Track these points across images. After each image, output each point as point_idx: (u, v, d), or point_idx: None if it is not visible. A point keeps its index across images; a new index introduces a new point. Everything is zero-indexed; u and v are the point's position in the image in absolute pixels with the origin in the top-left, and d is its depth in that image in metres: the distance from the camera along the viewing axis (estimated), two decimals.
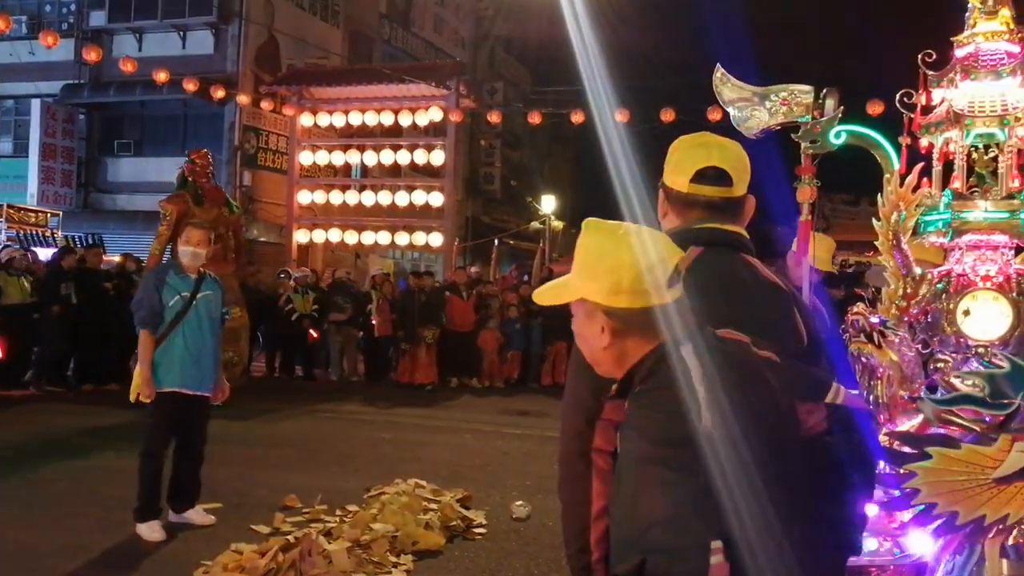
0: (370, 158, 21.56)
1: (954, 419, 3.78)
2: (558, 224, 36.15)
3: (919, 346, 4.04)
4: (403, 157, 21.22)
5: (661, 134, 19.60)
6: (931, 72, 4.30)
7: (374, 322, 16.89)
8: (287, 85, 22.62)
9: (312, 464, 9.26)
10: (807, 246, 4.28)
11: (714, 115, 17.53)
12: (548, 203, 34.67)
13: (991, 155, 4.20)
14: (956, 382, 3.71)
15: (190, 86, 19.94)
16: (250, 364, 16.21)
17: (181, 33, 24.75)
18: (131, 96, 25.01)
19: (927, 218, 4.16)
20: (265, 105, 23.00)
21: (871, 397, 3.97)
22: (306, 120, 22.03)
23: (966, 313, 3.96)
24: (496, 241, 26.39)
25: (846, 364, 4.11)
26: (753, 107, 4.71)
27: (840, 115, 4.37)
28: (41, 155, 24.80)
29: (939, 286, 4.06)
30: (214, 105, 22.61)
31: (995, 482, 3.57)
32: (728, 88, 4.78)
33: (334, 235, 21.59)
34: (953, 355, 3.98)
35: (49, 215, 22.17)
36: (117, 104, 25.93)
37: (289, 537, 6.34)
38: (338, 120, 21.71)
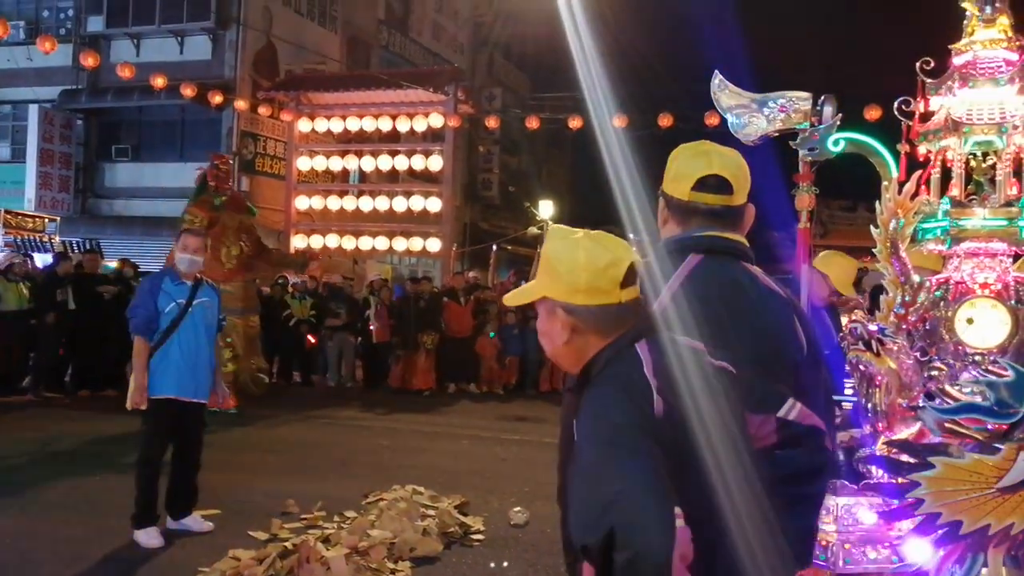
0: (368, 163, 21.54)
1: (956, 428, 3.78)
2: None
3: (917, 354, 4.04)
4: (401, 163, 21.20)
5: (659, 140, 19.63)
6: (929, 80, 4.30)
7: (372, 328, 16.89)
8: (285, 90, 22.61)
9: (310, 470, 9.26)
10: (807, 254, 4.28)
11: (712, 120, 17.53)
12: (546, 208, 34.63)
13: (989, 163, 4.21)
14: (953, 390, 3.71)
15: (188, 91, 19.93)
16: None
17: (179, 39, 24.75)
18: (129, 101, 25.01)
19: (925, 225, 4.15)
20: (263, 110, 22.99)
21: (869, 405, 3.97)
22: (304, 125, 22.02)
23: (970, 321, 3.96)
24: (494, 247, 26.39)
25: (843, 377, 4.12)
26: (751, 114, 4.72)
27: (838, 122, 4.38)
28: (39, 160, 24.76)
29: (937, 294, 4.05)
30: (212, 111, 22.62)
31: (999, 491, 3.57)
32: (726, 95, 4.79)
33: (332, 240, 21.57)
34: (951, 363, 3.98)
35: (47, 220, 22.13)
36: (115, 109, 25.92)
37: (287, 544, 6.35)
38: (336, 125, 21.70)
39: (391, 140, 22.27)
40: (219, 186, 13.15)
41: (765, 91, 4.70)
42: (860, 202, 31.63)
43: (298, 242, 22.18)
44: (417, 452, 10.38)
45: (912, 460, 3.73)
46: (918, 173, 4.19)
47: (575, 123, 20.43)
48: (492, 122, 24.43)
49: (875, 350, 3.88)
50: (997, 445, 3.55)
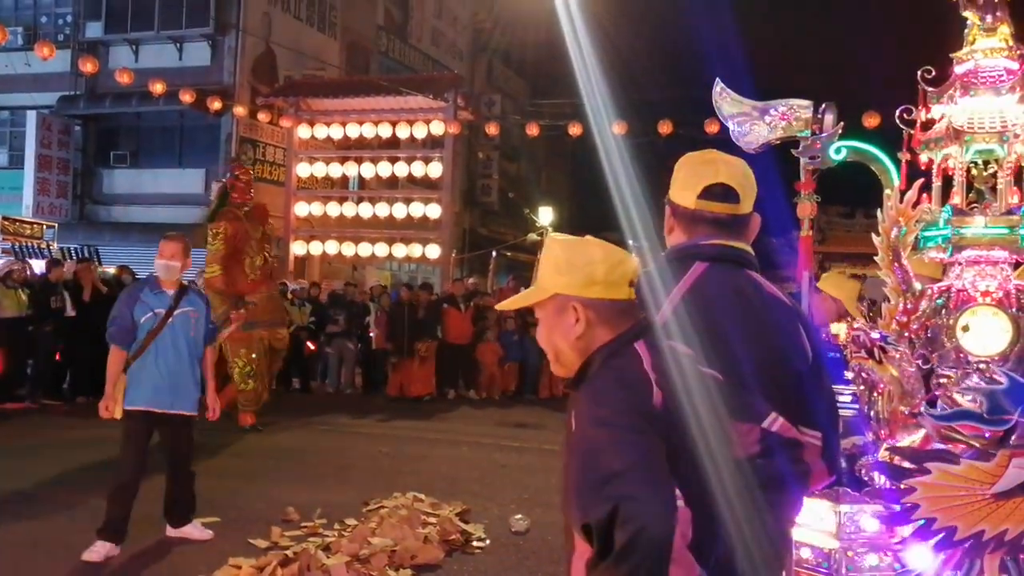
0: (367, 170, 21.58)
1: (954, 435, 3.80)
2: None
3: (919, 361, 4.04)
4: (400, 169, 21.23)
5: (659, 147, 19.67)
6: (930, 88, 4.31)
7: (372, 334, 16.89)
8: (284, 97, 22.64)
9: (310, 477, 9.25)
10: (809, 262, 4.29)
11: (712, 128, 17.56)
12: (546, 215, 34.64)
13: (990, 171, 4.21)
14: (957, 397, 3.73)
15: (187, 97, 19.93)
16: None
17: (178, 44, 24.74)
18: (127, 107, 24.97)
19: (927, 233, 4.16)
20: (262, 117, 23.01)
21: (871, 412, 3.98)
22: (303, 132, 22.06)
23: (965, 329, 3.96)
24: (494, 253, 26.40)
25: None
26: (752, 122, 4.73)
27: (840, 131, 4.39)
28: (36, 167, 24.73)
29: (939, 301, 4.06)
30: (211, 117, 22.63)
31: (994, 497, 3.59)
32: (728, 103, 4.80)
33: (331, 247, 21.59)
34: (953, 371, 3.98)
35: (44, 227, 22.10)
36: (113, 115, 25.89)
37: (288, 552, 6.35)
38: (336, 132, 21.73)
39: (390, 146, 22.30)
40: (240, 197, 13.01)
41: (763, 98, 4.71)
42: (858, 209, 31.70)
43: (298, 248, 22.21)
44: (417, 459, 10.37)
45: (912, 466, 3.75)
46: (919, 181, 4.20)
47: (575, 130, 20.46)
48: (492, 128, 24.46)
49: (877, 358, 3.90)
50: (992, 451, 3.57)
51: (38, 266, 16.25)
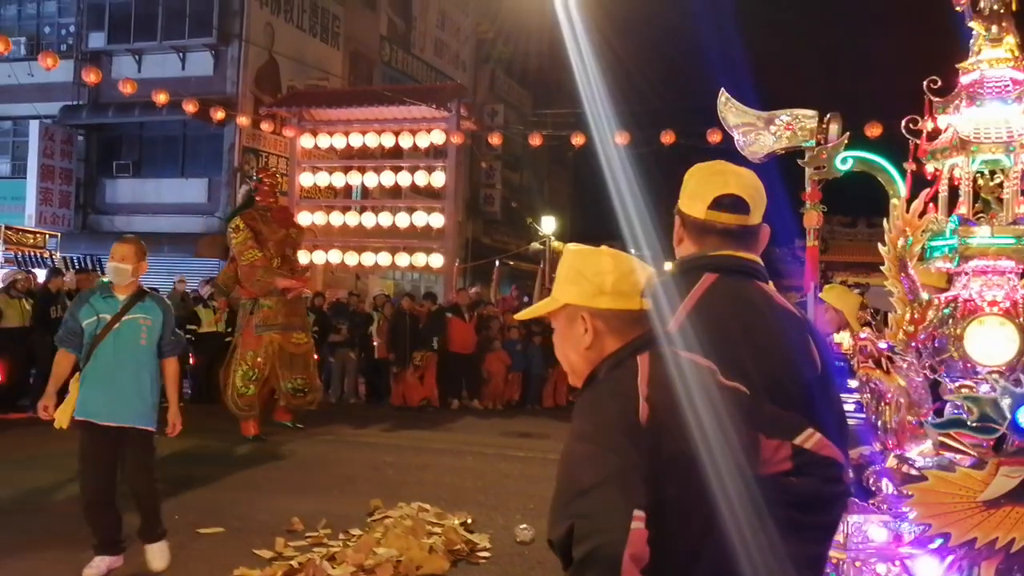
0: (371, 179, 21.56)
1: (952, 443, 3.82)
2: (558, 245, 36.10)
3: (927, 371, 4.05)
4: (404, 178, 21.22)
5: (661, 156, 19.67)
6: (936, 98, 4.31)
7: (375, 344, 16.90)
8: (287, 106, 22.64)
9: (314, 487, 9.24)
10: (815, 273, 4.29)
11: (714, 137, 17.58)
12: (548, 224, 34.66)
13: (997, 181, 4.22)
14: (948, 407, 3.76)
15: (190, 107, 19.92)
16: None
17: (181, 54, 24.79)
18: (130, 117, 25.00)
19: (933, 243, 4.17)
20: (265, 126, 23.01)
21: (879, 422, 3.98)
22: (306, 141, 22.05)
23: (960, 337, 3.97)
24: (497, 262, 26.39)
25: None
26: (757, 132, 4.74)
27: (846, 141, 4.40)
28: (39, 176, 24.75)
29: (946, 311, 4.06)
30: (214, 127, 22.65)
31: (984, 505, 3.61)
32: (733, 113, 4.82)
33: (334, 256, 21.56)
34: (962, 380, 3.99)
35: (47, 236, 22.11)
36: (116, 125, 25.92)
37: (292, 562, 6.34)
38: (339, 141, 21.72)
39: (394, 156, 22.29)
40: (264, 200, 13.02)
41: (765, 107, 4.72)
42: (860, 218, 31.73)
43: (301, 258, 22.16)
44: (421, 469, 10.36)
45: (915, 472, 3.78)
46: (926, 191, 4.21)
47: (577, 140, 20.46)
48: (495, 138, 24.45)
49: (885, 368, 3.90)
50: (986, 460, 3.61)
51: (41, 276, 16.27)
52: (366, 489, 9.13)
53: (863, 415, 4.16)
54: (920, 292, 4.08)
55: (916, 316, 4.06)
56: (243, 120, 22.31)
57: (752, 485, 2.13)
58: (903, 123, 4.35)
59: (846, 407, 4.11)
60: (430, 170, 21.10)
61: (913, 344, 4.07)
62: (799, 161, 4.48)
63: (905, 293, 4.08)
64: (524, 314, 2.48)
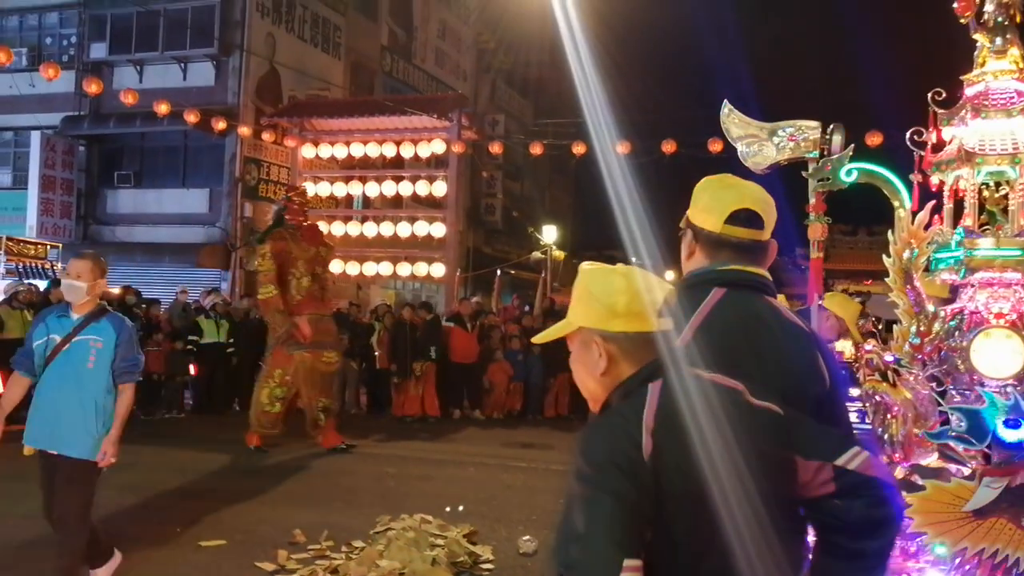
0: (372, 189, 21.57)
1: (950, 453, 3.82)
2: (559, 254, 36.21)
3: (933, 384, 4.04)
4: (405, 188, 21.24)
5: (662, 166, 19.69)
6: (941, 110, 4.31)
7: (377, 354, 16.87)
8: (288, 117, 22.67)
9: (315, 499, 9.21)
10: (820, 284, 4.28)
11: (715, 147, 17.60)
12: (549, 233, 34.74)
13: (1002, 193, 4.22)
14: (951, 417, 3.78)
15: (191, 118, 19.97)
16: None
17: (182, 65, 24.81)
18: (131, 128, 25.01)
19: (939, 255, 4.17)
20: (266, 137, 23.04)
21: (886, 435, 3.96)
22: (308, 152, 22.07)
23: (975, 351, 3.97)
24: (498, 272, 26.39)
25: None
26: (760, 143, 4.73)
27: (851, 152, 4.39)
28: (40, 187, 24.74)
29: (952, 324, 4.05)
30: (215, 137, 22.65)
31: (974, 515, 3.63)
32: (736, 124, 4.81)
33: (336, 266, 21.55)
34: (966, 392, 3.98)
35: (48, 247, 22.11)
36: (117, 136, 25.93)
37: (295, 575, 6.31)
38: (340, 152, 21.75)
39: (395, 166, 22.32)
40: (294, 218, 12.94)
41: (764, 116, 4.72)
42: (860, 227, 31.72)
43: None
44: (423, 480, 10.34)
45: (920, 482, 3.79)
46: (931, 203, 4.20)
47: (578, 149, 20.49)
48: (495, 148, 24.46)
49: (891, 381, 3.89)
50: (976, 470, 3.63)
51: (42, 287, 16.26)
52: (368, 501, 9.11)
53: (866, 425, 4.15)
54: (926, 304, 4.07)
55: (922, 329, 4.05)
56: (244, 130, 22.34)
57: (773, 521, 2.01)
58: (908, 135, 4.35)
59: (850, 416, 4.12)
60: (431, 180, 21.12)
61: (919, 356, 4.06)
62: (803, 173, 4.47)
63: (911, 305, 4.07)
64: (540, 337, 2.38)
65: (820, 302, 5.13)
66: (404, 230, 20.96)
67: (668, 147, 19.55)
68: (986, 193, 4.26)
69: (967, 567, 3.68)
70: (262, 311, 13.06)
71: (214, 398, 16.21)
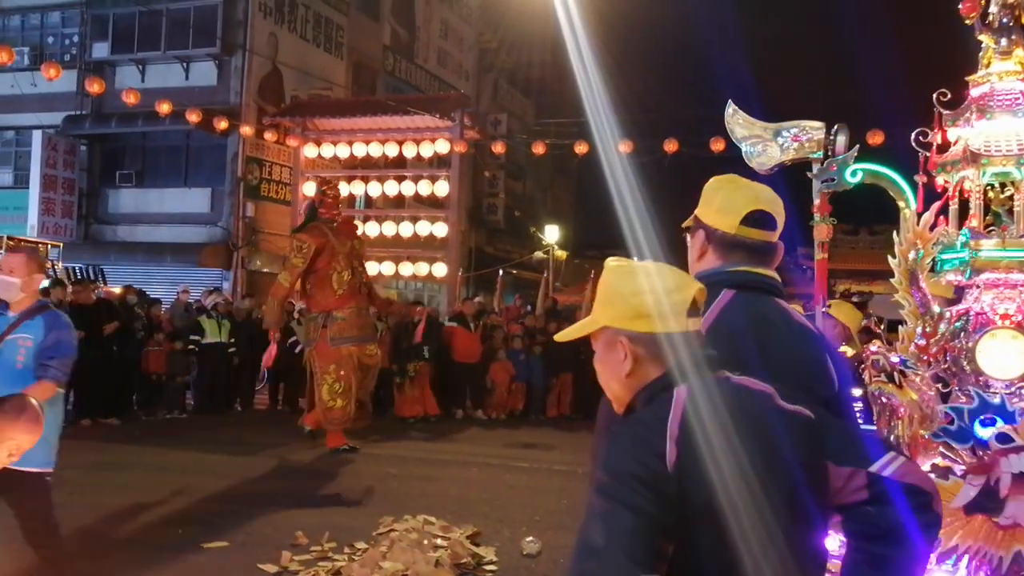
0: (374, 189, 21.55)
1: (950, 452, 3.82)
2: (562, 254, 36.21)
3: (939, 385, 4.03)
4: (407, 188, 21.21)
5: (664, 165, 19.68)
6: (946, 111, 4.30)
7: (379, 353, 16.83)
8: (290, 116, 22.65)
9: (318, 500, 9.20)
10: (825, 286, 4.27)
11: (717, 146, 17.59)
12: (552, 233, 34.74)
13: (1007, 194, 4.21)
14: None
15: (193, 117, 19.97)
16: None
17: (184, 64, 24.83)
18: (133, 127, 25.04)
19: (944, 256, 4.16)
20: (268, 136, 23.04)
21: (892, 437, 3.95)
22: (310, 151, 22.06)
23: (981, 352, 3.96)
24: (500, 271, 26.38)
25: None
26: (765, 143, 4.72)
27: (856, 153, 4.38)
28: (42, 186, 24.75)
29: (957, 325, 4.04)
30: (217, 136, 22.67)
31: (964, 513, 3.64)
32: (740, 125, 4.80)
33: None
34: (972, 393, 3.97)
35: (50, 247, 22.12)
36: (119, 135, 25.95)
37: None
38: (342, 151, 21.72)
39: (397, 166, 22.30)
40: (328, 212, 12.87)
41: (767, 116, 4.71)
42: (862, 226, 31.70)
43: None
44: (425, 480, 10.32)
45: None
46: (936, 204, 4.19)
47: (580, 148, 20.48)
48: (498, 147, 24.45)
49: (897, 382, 3.88)
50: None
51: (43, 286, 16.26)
52: (371, 502, 9.10)
53: (869, 425, 4.14)
54: (932, 305, 4.06)
55: (928, 330, 4.04)
56: (246, 130, 22.35)
57: (799, 533, 1.98)
58: (913, 136, 4.34)
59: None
60: (433, 179, 21.09)
61: (925, 357, 4.05)
62: (808, 174, 4.46)
63: (916, 306, 4.06)
64: (564, 335, 2.31)
65: (826, 309, 5.13)
66: (406, 230, 20.94)
67: (670, 146, 19.53)
68: (991, 194, 4.24)
69: (964, 565, 3.68)
70: (269, 294, 12.87)
71: (215, 398, 16.19)
